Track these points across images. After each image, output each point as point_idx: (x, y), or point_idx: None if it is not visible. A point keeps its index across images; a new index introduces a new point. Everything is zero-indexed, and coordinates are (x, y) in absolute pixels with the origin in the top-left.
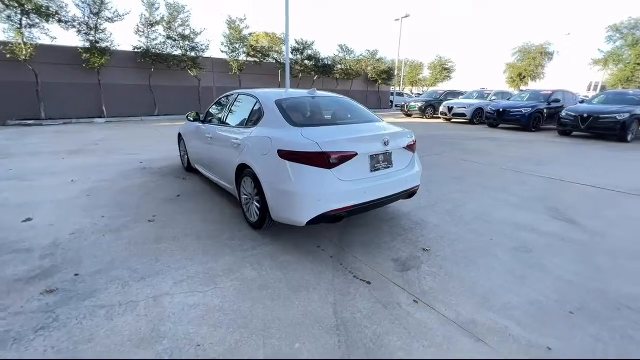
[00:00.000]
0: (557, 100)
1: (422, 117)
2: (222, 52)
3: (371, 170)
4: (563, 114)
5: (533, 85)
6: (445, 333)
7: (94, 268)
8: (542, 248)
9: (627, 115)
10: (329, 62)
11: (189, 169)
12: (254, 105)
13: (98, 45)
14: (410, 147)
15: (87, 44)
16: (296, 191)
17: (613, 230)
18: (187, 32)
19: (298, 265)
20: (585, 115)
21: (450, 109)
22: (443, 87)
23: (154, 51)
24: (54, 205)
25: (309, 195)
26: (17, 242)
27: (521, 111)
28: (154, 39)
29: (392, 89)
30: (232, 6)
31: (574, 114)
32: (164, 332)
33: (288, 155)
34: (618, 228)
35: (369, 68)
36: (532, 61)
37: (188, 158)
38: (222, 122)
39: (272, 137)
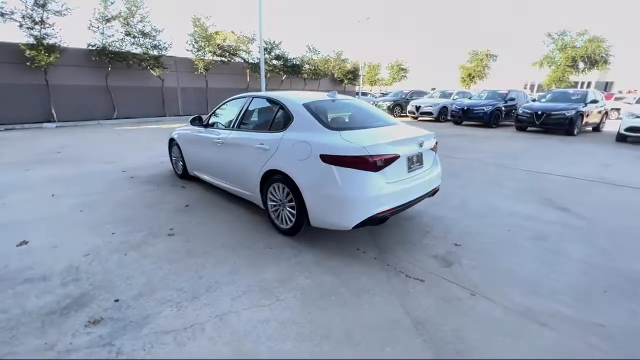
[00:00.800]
0: (513, 99)
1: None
2: (188, 50)
3: (408, 171)
4: (520, 111)
5: (480, 85)
6: (512, 321)
7: (133, 291)
8: (553, 235)
9: (573, 112)
10: (297, 62)
11: (184, 175)
12: (277, 109)
13: (45, 41)
14: (434, 148)
15: (32, 40)
16: (344, 195)
17: (599, 214)
18: (147, 29)
19: (348, 270)
20: (540, 112)
21: (417, 107)
22: (399, 86)
23: (110, 49)
24: (46, 225)
25: (358, 198)
26: (23, 269)
27: (483, 109)
28: (110, 36)
29: (357, 88)
30: (200, 4)
31: (530, 111)
32: (248, 352)
33: (334, 160)
34: (602, 212)
35: (335, 68)
36: (479, 62)
37: (184, 164)
38: (235, 127)
39: (310, 141)
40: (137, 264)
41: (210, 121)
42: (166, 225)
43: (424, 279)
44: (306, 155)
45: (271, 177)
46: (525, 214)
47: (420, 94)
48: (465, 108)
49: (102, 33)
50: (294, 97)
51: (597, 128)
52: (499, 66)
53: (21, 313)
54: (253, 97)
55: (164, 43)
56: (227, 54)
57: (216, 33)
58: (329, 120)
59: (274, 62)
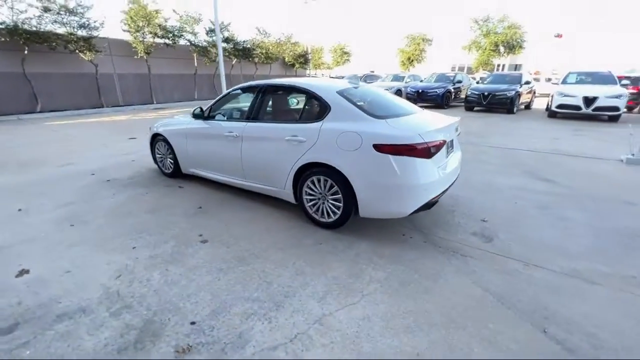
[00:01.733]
0: (460, 81)
1: None
2: (125, 31)
3: (446, 156)
4: (469, 92)
5: (418, 68)
6: (570, 284)
7: (204, 310)
8: (551, 204)
9: (513, 92)
10: (248, 46)
11: (175, 174)
12: (306, 98)
13: None
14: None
15: None
16: (404, 183)
17: (574, 182)
18: (71, 5)
19: (408, 256)
20: (486, 93)
21: None
22: (343, 70)
23: (25, 27)
24: (38, 247)
25: (417, 185)
26: (48, 304)
27: (436, 91)
28: (22, 11)
29: (307, 72)
30: None
31: (477, 92)
32: (369, 353)
33: (391, 149)
34: (576, 180)
35: (286, 52)
36: (417, 46)
37: (175, 162)
38: (252, 118)
39: (359, 131)
40: (188, 278)
41: (211, 113)
42: (192, 232)
43: (474, 256)
44: (356, 145)
45: (309, 170)
46: (519, 186)
47: (374, 77)
48: (420, 90)
49: (12, 8)
50: (323, 85)
51: (528, 106)
52: (434, 49)
53: (85, 356)
54: (268, 86)
55: (94, 22)
56: (171, 35)
57: (156, 12)
58: (368, 108)
59: (223, 45)
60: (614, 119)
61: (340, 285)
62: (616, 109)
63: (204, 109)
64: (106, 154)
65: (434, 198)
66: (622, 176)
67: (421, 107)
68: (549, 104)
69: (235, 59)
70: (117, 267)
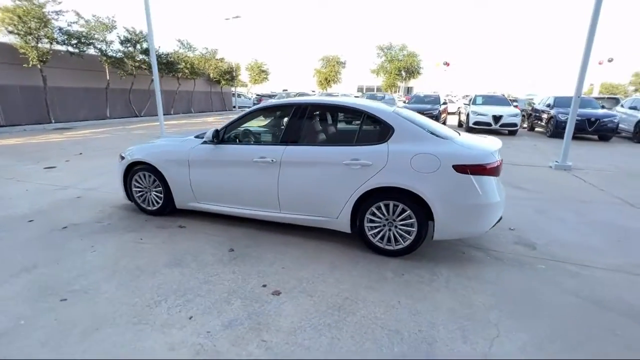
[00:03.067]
0: (392, 99)
1: None
2: (10, 32)
3: None
4: None
5: (334, 88)
6: (626, 279)
7: None
8: (542, 207)
9: (437, 111)
10: (172, 59)
11: (161, 211)
12: (363, 119)
13: None
14: None
15: None
16: (485, 202)
17: (538, 188)
18: None
19: (490, 274)
20: (417, 112)
21: None
22: (259, 89)
23: None
24: (33, 348)
25: (495, 203)
26: None
27: (431, 113)
28: None
29: (232, 89)
30: None
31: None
32: None
33: (473, 169)
34: (537, 186)
35: (211, 67)
36: (332, 68)
37: (167, 196)
38: (289, 141)
39: (435, 152)
40: (301, 346)
41: (226, 135)
42: (249, 283)
43: (531, 264)
44: (434, 167)
45: (374, 195)
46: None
47: (304, 95)
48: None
49: None
50: (377, 105)
51: (444, 123)
52: (347, 71)
53: None
54: (309, 105)
55: None
56: (76, 42)
57: (56, 13)
58: (429, 129)
59: (142, 57)
60: (513, 133)
61: (465, 319)
62: (515, 125)
63: (218, 130)
64: (31, 192)
65: (501, 214)
66: (562, 179)
67: None
68: (465, 120)
69: None
70: (191, 352)
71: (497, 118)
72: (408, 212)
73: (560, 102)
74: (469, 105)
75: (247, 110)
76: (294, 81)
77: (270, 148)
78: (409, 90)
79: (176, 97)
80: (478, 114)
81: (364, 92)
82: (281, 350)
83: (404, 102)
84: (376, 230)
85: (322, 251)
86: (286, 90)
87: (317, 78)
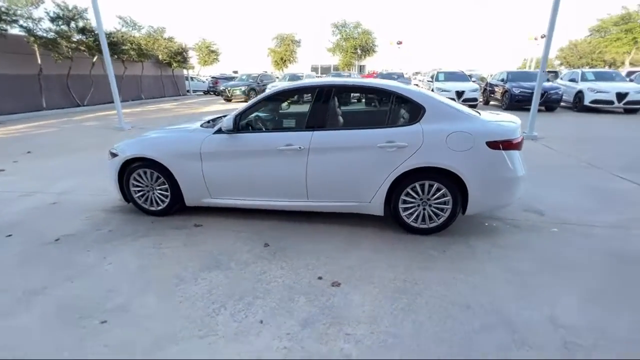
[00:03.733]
0: None
1: (246, 101)
2: None
3: None
4: None
5: (291, 68)
6: (628, 235)
7: None
8: (529, 174)
9: None
10: (115, 39)
11: (167, 210)
12: (393, 99)
13: None
14: None
15: None
16: (515, 176)
17: None
18: None
19: (516, 241)
20: None
21: None
22: (212, 70)
23: None
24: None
25: (523, 175)
26: None
27: None
28: None
29: (185, 72)
30: None
31: None
32: None
33: (505, 145)
34: None
35: (160, 48)
36: (287, 47)
37: (175, 194)
38: (316, 126)
39: (468, 130)
40: (386, 331)
41: (243, 123)
42: (304, 278)
43: (553, 228)
44: (469, 144)
45: (410, 176)
46: None
47: (267, 77)
48: None
49: None
50: (403, 85)
51: None
52: (303, 50)
53: None
54: (332, 87)
55: None
56: None
57: None
58: (453, 107)
59: (79, 37)
60: (473, 107)
61: (521, 286)
62: (476, 99)
63: (232, 118)
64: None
65: None
66: (534, 149)
67: None
68: None
69: (97, 55)
70: (280, 356)
71: (459, 93)
72: (443, 190)
73: (514, 76)
74: (432, 81)
75: (263, 94)
76: (247, 62)
77: (296, 134)
78: (361, 68)
79: (123, 83)
80: (442, 90)
81: (319, 71)
82: (372, 342)
83: None
84: (410, 210)
85: (358, 236)
86: (236, 71)
87: (272, 58)
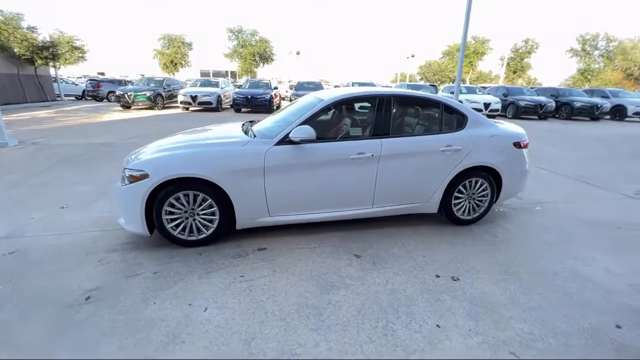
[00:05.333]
0: (276, 87)
1: (152, 108)
2: None
3: None
4: (235, 96)
5: (184, 72)
6: (583, 204)
7: None
8: None
9: (269, 96)
10: None
11: (213, 238)
12: (440, 108)
13: None
14: None
15: None
16: (527, 169)
17: None
18: None
19: (519, 220)
20: (249, 96)
21: (194, 97)
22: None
23: None
24: None
25: (529, 170)
26: None
27: (264, 97)
28: None
29: (52, 71)
30: None
31: (243, 96)
32: None
33: (524, 145)
34: None
35: (17, 40)
36: (177, 49)
37: (225, 217)
38: (382, 134)
39: (500, 134)
40: (532, 306)
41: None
42: (425, 279)
43: (536, 207)
44: (503, 146)
45: (462, 176)
46: None
47: (174, 81)
48: (249, 97)
49: None
50: (447, 97)
51: (278, 106)
52: (196, 54)
53: None
54: (392, 96)
55: None
56: None
57: None
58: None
59: None
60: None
61: (560, 254)
62: (498, 110)
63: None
64: None
65: None
66: None
67: (247, 112)
68: None
69: None
70: (485, 354)
71: (487, 105)
72: (485, 184)
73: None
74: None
75: (324, 103)
76: (132, 63)
77: (367, 142)
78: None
79: None
80: (471, 102)
81: (211, 76)
82: (534, 317)
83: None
84: (460, 205)
85: (424, 234)
86: (103, 73)
87: (161, 60)
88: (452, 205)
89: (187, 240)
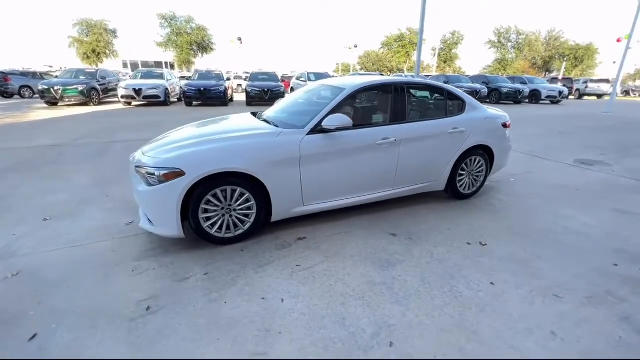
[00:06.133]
0: (229, 79)
1: (85, 104)
2: None
3: None
4: (186, 89)
5: (109, 64)
6: (559, 170)
7: None
8: None
9: (223, 88)
10: None
11: (249, 233)
12: (444, 95)
13: None
14: None
15: None
16: (511, 145)
17: None
18: None
19: (508, 190)
20: (202, 88)
21: (138, 90)
22: None
23: None
24: None
25: None
26: None
27: (219, 89)
28: None
29: None
30: None
31: (195, 89)
32: None
33: (508, 125)
34: None
35: None
36: (100, 37)
37: (261, 211)
38: (399, 120)
39: (492, 116)
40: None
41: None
42: (460, 248)
43: (512, 179)
44: (495, 127)
45: (466, 155)
46: None
47: (109, 73)
48: (202, 89)
49: None
50: (447, 84)
51: (231, 99)
52: (125, 43)
53: None
54: (405, 84)
55: None
56: None
57: None
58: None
59: None
60: None
61: (554, 215)
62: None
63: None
64: None
65: None
66: None
67: (198, 106)
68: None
69: None
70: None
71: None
72: (482, 161)
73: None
74: (306, 82)
75: (348, 91)
76: (35, 53)
77: (389, 128)
78: (172, 66)
79: None
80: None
81: (140, 66)
82: (557, 266)
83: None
84: (462, 181)
85: (438, 211)
86: (51, 66)
87: (79, 49)
88: (457, 182)
89: (223, 238)
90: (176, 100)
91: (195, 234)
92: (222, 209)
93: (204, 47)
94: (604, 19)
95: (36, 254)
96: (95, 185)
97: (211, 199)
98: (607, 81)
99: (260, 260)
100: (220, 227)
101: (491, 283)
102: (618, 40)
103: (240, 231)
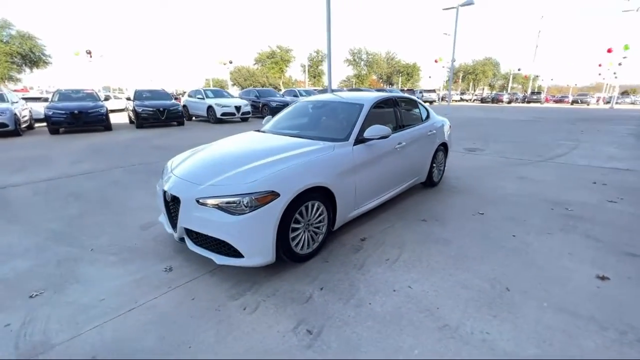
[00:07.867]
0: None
1: None
2: None
3: None
4: (50, 112)
5: None
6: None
7: None
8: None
9: (105, 110)
10: None
11: (319, 248)
12: (416, 107)
13: None
14: None
15: None
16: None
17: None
18: None
19: (474, 160)
20: (77, 111)
21: None
22: None
23: None
24: None
25: None
26: None
27: (99, 110)
28: None
29: None
30: None
31: (65, 112)
32: None
33: (451, 127)
34: None
35: None
36: None
37: (328, 221)
38: (400, 127)
39: (443, 121)
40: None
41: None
42: (501, 229)
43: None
44: (447, 128)
45: (436, 152)
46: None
47: None
48: (77, 112)
49: None
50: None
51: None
52: None
53: None
54: (396, 98)
55: None
56: None
57: None
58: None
59: None
60: (245, 120)
61: (522, 192)
62: (249, 112)
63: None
64: None
65: None
66: None
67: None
68: (213, 113)
69: None
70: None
71: (238, 108)
72: (442, 155)
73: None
74: (203, 98)
75: (368, 105)
76: None
77: (400, 134)
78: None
79: None
80: (223, 106)
81: None
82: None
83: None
84: (433, 172)
85: (434, 200)
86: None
87: None
88: (433, 174)
89: (305, 255)
90: (27, 128)
91: (284, 256)
92: (303, 225)
93: (32, 60)
94: (423, 43)
95: (79, 337)
96: (48, 243)
97: (298, 216)
98: (433, 91)
99: (354, 264)
100: (299, 244)
101: (550, 233)
102: (436, 61)
103: (316, 244)
